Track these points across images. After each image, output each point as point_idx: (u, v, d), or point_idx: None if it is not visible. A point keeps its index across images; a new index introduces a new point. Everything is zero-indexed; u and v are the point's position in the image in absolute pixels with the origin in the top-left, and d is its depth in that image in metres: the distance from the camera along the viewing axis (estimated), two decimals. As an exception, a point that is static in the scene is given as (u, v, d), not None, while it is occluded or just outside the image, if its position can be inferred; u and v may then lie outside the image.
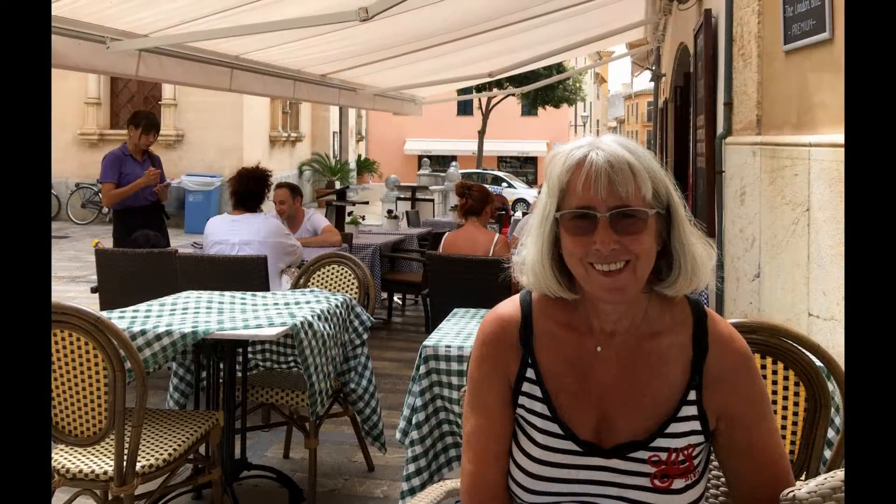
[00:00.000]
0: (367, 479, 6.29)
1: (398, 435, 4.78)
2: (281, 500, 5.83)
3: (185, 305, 5.54)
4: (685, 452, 2.24)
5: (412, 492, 4.59)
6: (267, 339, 5.15)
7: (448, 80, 15.09)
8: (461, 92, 21.56)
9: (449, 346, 4.67)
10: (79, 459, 4.46)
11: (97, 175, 10.83)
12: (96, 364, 4.21)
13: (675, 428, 2.25)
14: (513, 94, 33.32)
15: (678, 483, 2.24)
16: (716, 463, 2.46)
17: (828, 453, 3.22)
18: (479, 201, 8.26)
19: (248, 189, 8.06)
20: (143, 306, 5.48)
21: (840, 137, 3.82)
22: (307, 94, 12.22)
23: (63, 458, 4.47)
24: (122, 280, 7.92)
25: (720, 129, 6.62)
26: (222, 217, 8.23)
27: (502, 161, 71.56)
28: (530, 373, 2.36)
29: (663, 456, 2.24)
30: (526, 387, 2.36)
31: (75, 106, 28.83)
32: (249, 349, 6.04)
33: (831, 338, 3.87)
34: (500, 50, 13.15)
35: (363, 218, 13.51)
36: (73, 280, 16.26)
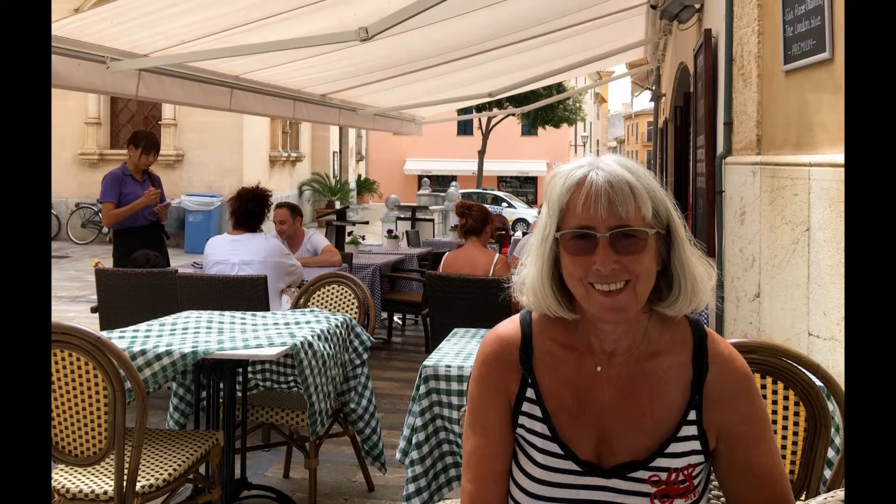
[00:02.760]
0: (368, 499, 6.28)
1: (398, 455, 4.78)
2: (281, 521, 5.84)
3: (185, 325, 5.54)
4: (685, 472, 2.24)
5: (412, 512, 4.59)
6: (267, 359, 5.14)
7: (448, 99, 15.10)
8: (461, 112, 21.65)
9: (449, 366, 4.67)
10: (79, 479, 4.46)
11: (97, 195, 10.84)
12: (96, 384, 4.21)
13: (675, 448, 2.25)
14: (513, 114, 33.27)
15: (678, 503, 2.24)
16: (716, 483, 2.46)
17: (828, 473, 3.22)
18: (478, 221, 8.26)
19: (249, 209, 8.06)
20: (143, 326, 5.48)
21: (840, 157, 3.83)
22: (307, 113, 12.25)
23: (63, 477, 4.47)
24: (123, 300, 7.92)
25: (720, 148, 6.62)
26: (222, 237, 8.24)
27: (502, 181, 71.59)
28: (530, 393, 2.36)
29: (663, 476, 2.24)
30: (526, 407, 2.36)
31: (75, 126, 28.88)
32: (249, 369, 6.04)
33: (831, 358, 3.87)
34: (500, 70, 13.17)
35: (363, 238, 13.51)
36: (73, 300, 16.27)
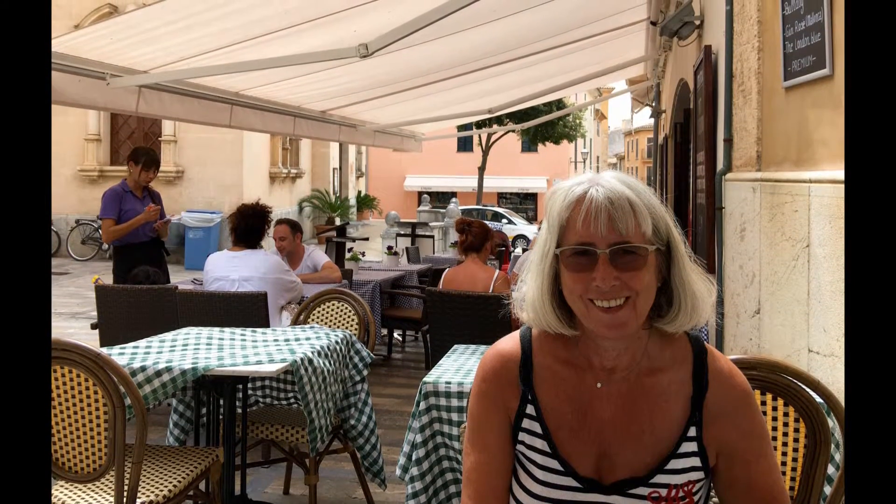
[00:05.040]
0: (367, 515, 6.28)
1: (398, 471, 4.77)
2: (280, 537, 5.82)
3: (185, 342, 5.53)
4: (685, 489, 2.24)
5: (412, 528, 4.58)
6: (267, 376, 5.14)
7: (448, 116, 15.13)
8: (461, 128, 21.61)
9: (449, 383, 4.66)
10: (79, 496, 4.45)
11: (97, 211, 10.84)
12: (96, 400, 4.20)
13: (675, 464, 2.25)
14: (513, 131, 33.28)
15: (679, 519, 2.23)
16: (716, 499, 2.45)
17: (828, 489, 3.21)
18: (478, 237, 8.26)
19: (249, 225, 8.07)
20: (143, 342, 5.47)
21: (840, 174, 3.83)
22: (307, 130, 12.26)
23: (63, 494, 4.46)
24: (122, 316, 7.91)
25: (720, 165, 6.63)
26: (222, 253, 8.24)
27: (502, 197, 71.65)
28: (530, 409, 2.36)
29: (663, 492, 2.23)
30: (526, 423, 2.36)
31: (75, 142, 28.85)
32: (249, 385, 6.03)
33: (831, 374, 3.87)
34: (500, 86, 13.20)
35: (363, 254, 13.51)
36: (73, 316, 16.26)
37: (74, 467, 4.32)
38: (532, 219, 62.86)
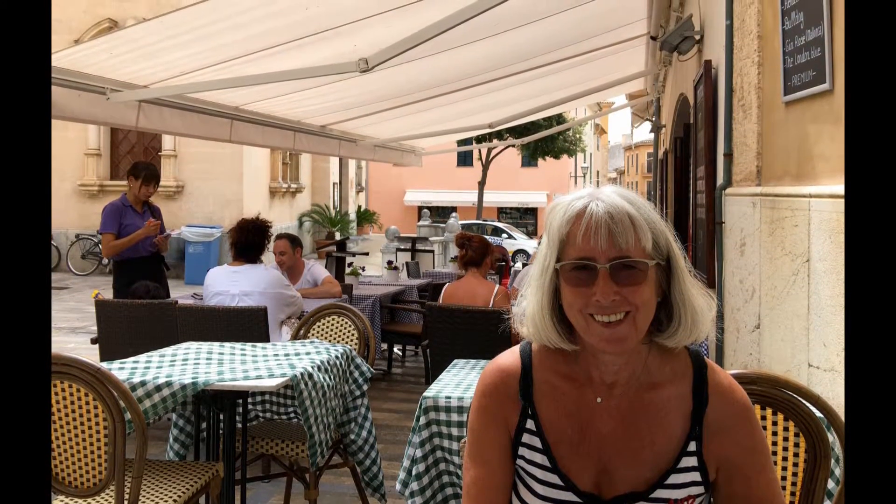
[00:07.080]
0: (367, 530, 6.26)
1: (398, 486, 4.76)
2: (280, 553, 5.81)
3: (185, 356, 5.53)
4: (685, 503, 2.23)
5: (412, 543, 4.58)
6: (267, 390, 5.13)
7: (448, 130, 15.13)
8: (461, 143, 21.67)
9: (449, 398, 4.66)
10: (77, 511, 4.45)
11: (97, 226, 10.83)
12: (96, 415, 4.20)
13: (675, 479, 2.24)
14: (513, 145, 33.25)
15: (679, 534, 2.23)
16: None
17: (829, 504, 3.21)
18: (478, 252, 8.26)
19: (249, 240, 8.07)
20: (143, 357, 5.47)
21: (840, 188, 3.82)
22: (307, 145, 12.26)
23: (62, 509, 4.46)
24: (122, 331, 7.91)
25: (720, 179, 6.62)
26: (222, 268, 8.24)
27: (502, 212, 71.63)
28: (530, 424, 2.36)
29: (664, 507, 2.23)
30: (526, 438, 2.36)
31: (75, 157, 28.86)
32: (249, 400, 6.02)
33: (831, 389, 3.86)
34: (500, 101, 13.20)
35: (363, 269, 13.51)
36: (73, 331, 16.24)
37: (74, 482, 4.31)
38: (532, 233, 62.85)
